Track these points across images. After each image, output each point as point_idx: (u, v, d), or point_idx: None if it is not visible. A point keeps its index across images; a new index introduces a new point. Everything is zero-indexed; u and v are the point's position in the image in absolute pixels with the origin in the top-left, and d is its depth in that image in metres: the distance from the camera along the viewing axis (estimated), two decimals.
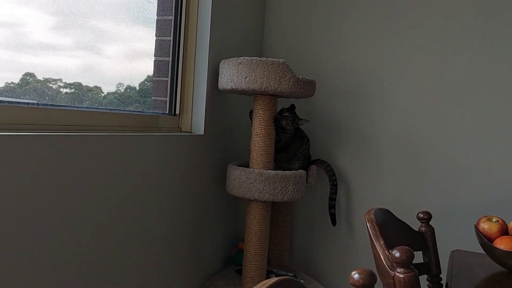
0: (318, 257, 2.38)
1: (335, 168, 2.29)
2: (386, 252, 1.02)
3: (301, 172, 1.92)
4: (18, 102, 1.26)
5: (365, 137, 2.27)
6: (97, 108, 1.56)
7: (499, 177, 2.03)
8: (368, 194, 2.27)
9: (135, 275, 1.54)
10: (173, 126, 1.92)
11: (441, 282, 1.45)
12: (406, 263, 0.93)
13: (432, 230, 1.46)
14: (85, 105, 1.53)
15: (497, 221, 1.38)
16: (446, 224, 2.08)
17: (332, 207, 2.20)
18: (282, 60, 1.76)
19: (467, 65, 2.08)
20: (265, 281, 0.62)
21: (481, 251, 1.43)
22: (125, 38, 1.71)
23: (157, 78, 1.92)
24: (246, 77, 1.75)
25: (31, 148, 1.12)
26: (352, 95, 2.29)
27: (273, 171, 1.83)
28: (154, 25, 1.90)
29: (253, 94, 1.88)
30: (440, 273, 1.46)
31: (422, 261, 1.46)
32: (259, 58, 1.74)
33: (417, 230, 1.46)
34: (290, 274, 2.02)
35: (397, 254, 0.93)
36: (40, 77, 1.39)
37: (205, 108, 1.92)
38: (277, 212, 2.17)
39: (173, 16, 1.92)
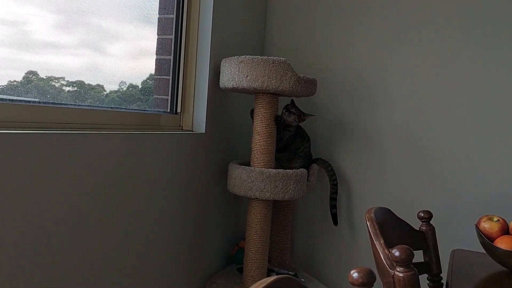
0: (319, 256, 2.38)
1: (337, 167, 2.29)
2: (386, 251, 1.02)
3: (302, 170, 1.92)
4: (20, 100, 1.26)
5: (367, 136, 2.27)
6: (99, 107, 1.56)
7: (500, 176, 2.02)
8: (369, 193, 2.27)
9: (136, 273, 1.54)
10: (174, 124, 1.92)
11: (442, 281, 1.45)
12: (405, 262, 0.93)
13: (432, 229, 1.46)
14: (86, 104, 1.53)
15: (498, 220, 1.38)
16: (447, 223, 2.08)
17: (333, 207, 2.20)
18: (283, 58, 1.76)
19: (469, 65, 2.08)
20: (263, 280, 0.62)
21: (482, 250, 1.42)
22: (127, 37, 1.71)
23: (158, 77, 1.92)
24: (247, 76, 1.75)
25: (32, 147, 1.12)
26: (354, 94, 2.29)
27: (274, 170, 1.83)
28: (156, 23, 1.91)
29: (254, 92, 1.88)
30: (441, 273, 1.46)
31: (423, 260, 1.46)
32: (260, 57, 1.74)
33: (418, 229, 1.46)
34: (291, 272, 2.02)
35: (397, 253, 0.93)
36: (42, 75, 1.39)
37: (207, 106, 1.92)
38: (278, 210, 2.17)
39: (174, 15, 1.92)
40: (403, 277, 0.93)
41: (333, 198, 2.20)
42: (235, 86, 1.79)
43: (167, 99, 1.93)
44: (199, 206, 1.93)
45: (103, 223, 1.37)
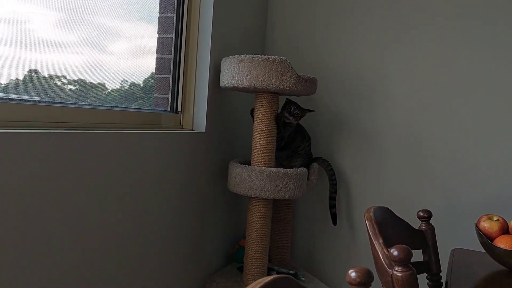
0: (319, 255, 2.38)
1: (337, 166, 2.30)
2: (385, 251, 1.02)
3: (303, 169, 1.92)
4: (19, 99, 1.26)
5: (367, 135, 2.27)
6: (99, 106, 1.56)
7: (500, 176, 2.02)
8: (369, 192, 2.27)
9: (136, 272, 1.55)
10: (175, 123, 1.92)
11: (441, 280, 1.45)
12: (404, 261, 0.93)
13: (432, 228, 1.46)
14: (86, 103, 1.53)
15: (498, 220, 1.38)
16: (447, 223, 2.08)
17: (333, 206, 2.20)
18: (284, 57, 1.76)
19: (469, 65, 2.07)
20: (260, 279, 0.63)
21: (482, 249, 1.42)
22: (129, 35, 1.71)
23: (159, 76, 1.93)
24: (247, 75, 1.75)
25: (32, 146, 1.13)
26: (354, 93, 2.29)
27: (274, 169, 1.83)
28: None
29: (255, 91, 1.88)
30: (440, 272, 1.46)
31: (422, 260, 1.46)
32: (260, 56, 1.74)
33: (417, 228, 1.46)
34: (291, 271, 2.03)
35: (395, 253, 0.93)
36: (44, 73, 1.39)
37: (207, 105, 1.92)
38: (279, 209, 2.17)
39: (175, 14, 1.92)
40: (401, 276, 0.93)
41: (333, 198, 2.20)
42: (235, 85, 1.79)
43: (168, 98, 1.93)
44: (200, 205, 1.93)
45: (104, 222, 1.38)
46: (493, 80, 2.04)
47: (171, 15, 1.93)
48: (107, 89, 1.67)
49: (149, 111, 1.82)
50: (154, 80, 1.92)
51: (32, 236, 1.14)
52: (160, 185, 1.65)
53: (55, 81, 1.46)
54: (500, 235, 1.35)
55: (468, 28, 2.07)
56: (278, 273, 1.99)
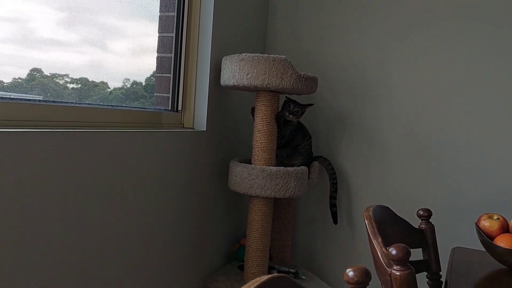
0: (320, 254, 2.38)
1: (338, 165, 2.29)
2: (384, 250, 1.02)
3: (303, 168, 1.92)
4: (21, 99, 1.26)
5: (368, 134, 2.27)
6: (100, 105, 1.56)
7: (501, 174, 2.02)
8: (370, 191, 2.27)
9: (137, 271, 1.55)
10: (176, 122, 1.93)
11: (441, 279, 1.45)
12: (402, 260, 0.93)
13: (432, 227, 1.45)
14: (87, 102, 1.54)
15: (498, 218, 1.38)
16: (448, 221, 2.08)
17: (333, 205, 2.20)
18: (284, 56, 1.76)
19: (471, 64, 2.07)
20: (256, 279, 0.63)
21: (483, 248, 1.42)
22: (131, 34, 1.72)
23: (159, 75, 1.93)
24: (247, 74, 1.75)
25: (33, 145, 1.13)
26: (356, 92, 2.29)
27: (274, 168, 1.83)
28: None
29: (255, 90, 1.88)
30: (440, 271, 1.45)
31: (422, 259, 1.46)
32: (261, 55, 1.74)
33: (417, 227, 1.45)
34: (292, 270, 2.03)
35: (394, 252, 0.93)
36: (47, 72, 1.40)
37: (207, 104, 1.92)
38: (280, 208, 2.18)
39: (175, 13, 1.92)
40: (400, 275, 0.93)
41: (333, 197, 2.20)
42: (235, 84, 1.79)
43: (168, 97, 1.93)
44: (201, 204, 1.94)
45: (105, 221, 1.38)
46: (494, 79, 2.03)
47: (172, 14, 1.93)
48: (109, 88, 1.67)
49: (150, 110, 1.82)
50: (155, 79, 1.92)
51: (33, 235, 1.15)
52: (161, 184, 1.65)
53: (57, 80, 1.46)
54: (500, 234, 1.35)
55: (471, 28, 2.07)
56: (278, 271, 1.99)
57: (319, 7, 2.37)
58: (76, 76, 1.50)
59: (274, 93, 1.87)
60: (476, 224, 1.39)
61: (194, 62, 1.94)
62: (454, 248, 1.53)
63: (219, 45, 1.98)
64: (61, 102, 1.40)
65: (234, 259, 2.22)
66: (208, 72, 1.92)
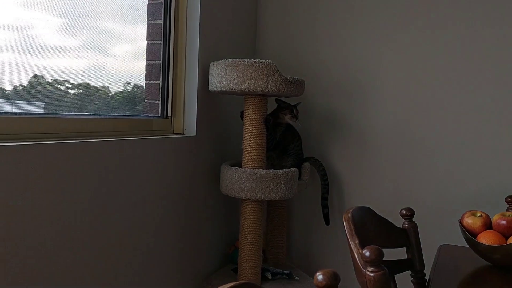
0: (315, 254, 2.40)
1: (329, 166, 2.31)
2: (360, 251, 1.04)
3: (293, 170, 1.94)
4: (6, 112, 1.29)
5: (359, 135, 2.28)
6: (89, 115, 1.59)
7: (486, 172, 2.05)
8: (361, 191, 2.28)
9: (132, 274, 1.58)
10: (166, 128, 1.95)
11: (425, 278, 1.46)
12: (375, 262, 0.95)
13: (415, 226, 1.47)
14: (90, 107, 1.56)
15: (481, 215, 1.39)
16: (435, 219, 2.09)
17: (325, 206, 2.22)
18: (270, 61, 1.78)
19: (458, 66, 2.08)
20: (222, 286, 0.65)
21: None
22: (131, 38, 1.75)
23: (149, 82, 1.96)
24: (234, 79, 1.77)
25: (28, 158, 1.15)
26: (346, 93, 2.30)
27: (264, 170, 1.85)
28: None
29: (242, 94, 1.90)
30: (424, 269, 1.47)
31: (406, 258, 1.47)
32: (246, 60, 1.77)
33: (401, 227, 1.47)
34: (285, 271, 2.05)
35: (367, 254, 0.95)
36: (48, 78, 1.42)
37: (197, 109, 1.95)
38: (273, 210, 2.19)
39: (162, 20, 1.95)
40: (373, 276, 0.95)
41: (325, 198, 2.22)
42: (223, 89, 1.82)
43: (158, 104, 1.96)
44: (194, 208, 1.96)
45: (99, 227, 1.40)
46: (479, 80, 2.05)
47: (159, 21, 1.96)
48: (110, 92, 1.70)
49: (141, 117, 1.85)
50: (144, 86, 1.95)
51: (34, 240, 1.17)
52: (154, 190, 1.67)
53: (59, 86, 1.48)
54: (483, 230, 1.36)
55: (461, 26, 2.08)
56: (272, 273, 2.01)
57: (309, 9, 2.38)
58: (78, 81, 1.53)
59: (261, 96, 1.89)
60: (460, 222, 1.40)
61: (182, 69, 1.97)
62: (441, 245, 1.55)
63: (207, 50, 2.00)
64: (47, 114, 1.42)
65: (230, 261, 2.24)
66: (197, 78, 1.95)
